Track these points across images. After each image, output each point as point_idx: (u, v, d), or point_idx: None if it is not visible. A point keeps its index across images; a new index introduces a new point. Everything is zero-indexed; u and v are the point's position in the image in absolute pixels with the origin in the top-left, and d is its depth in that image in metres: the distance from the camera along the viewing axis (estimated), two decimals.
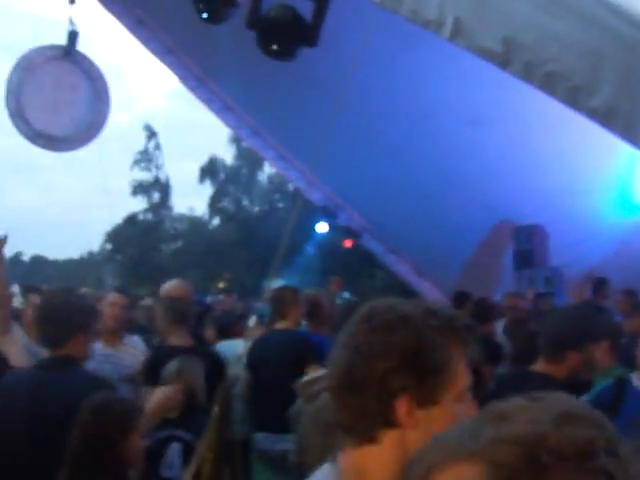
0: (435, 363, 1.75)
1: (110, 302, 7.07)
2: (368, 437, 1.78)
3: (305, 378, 4.44)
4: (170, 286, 7.25)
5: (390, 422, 1.75)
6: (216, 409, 4.06)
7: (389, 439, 1.76)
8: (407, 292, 13.02)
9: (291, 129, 11.75)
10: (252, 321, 5.05)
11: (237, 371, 6.95)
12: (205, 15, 5.96)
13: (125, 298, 7.21)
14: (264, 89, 10.80)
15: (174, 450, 4.88)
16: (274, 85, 10.15)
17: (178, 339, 6.23)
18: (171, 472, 4.84)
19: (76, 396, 3.83)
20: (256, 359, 6.83)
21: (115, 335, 6.78)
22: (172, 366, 5.20)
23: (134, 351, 6.91)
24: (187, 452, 4.76)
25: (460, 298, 9.80)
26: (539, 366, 4.63)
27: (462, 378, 1.82)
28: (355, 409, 1.80)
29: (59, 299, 4.77)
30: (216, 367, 6.07)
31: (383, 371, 1.75)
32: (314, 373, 4.69)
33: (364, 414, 1.78)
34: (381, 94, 9.80)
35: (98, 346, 6.55)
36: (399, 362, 1.75)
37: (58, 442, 3.64)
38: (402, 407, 1.73)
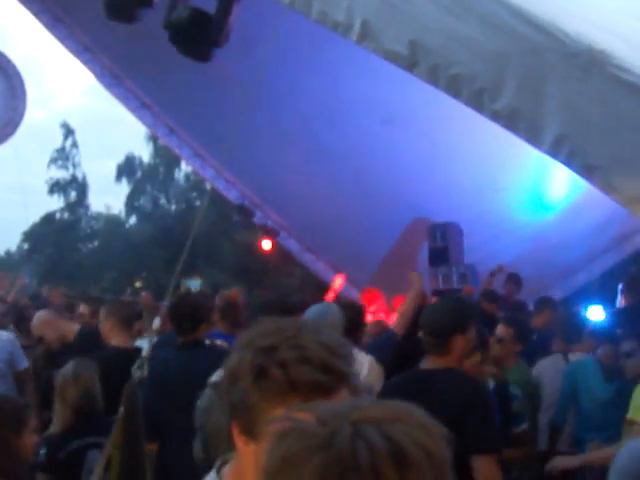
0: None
1: None
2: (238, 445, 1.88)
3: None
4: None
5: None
6: (121, 409, 4.04)
7: (247, 450, 1.82)
8: (324, 290, 13.07)
9: (207, 127, 11.70)
10: (156, 323, 5.06)
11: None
12: (115, 14, 5.89)
13: None
14: (181, 87, 10.72)
15: (93, 456, 4.83)
16: (191, 83, 10.10)
17: (118, 342, 6.41)
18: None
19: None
20: None
21: None
22: (67, 369, 5.15)
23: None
24: None
25: None
26: (430, 363, 4.61)
27: None
28: None
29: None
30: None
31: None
32: None
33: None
34: (297, 93, 9.83)
35: None
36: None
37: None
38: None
